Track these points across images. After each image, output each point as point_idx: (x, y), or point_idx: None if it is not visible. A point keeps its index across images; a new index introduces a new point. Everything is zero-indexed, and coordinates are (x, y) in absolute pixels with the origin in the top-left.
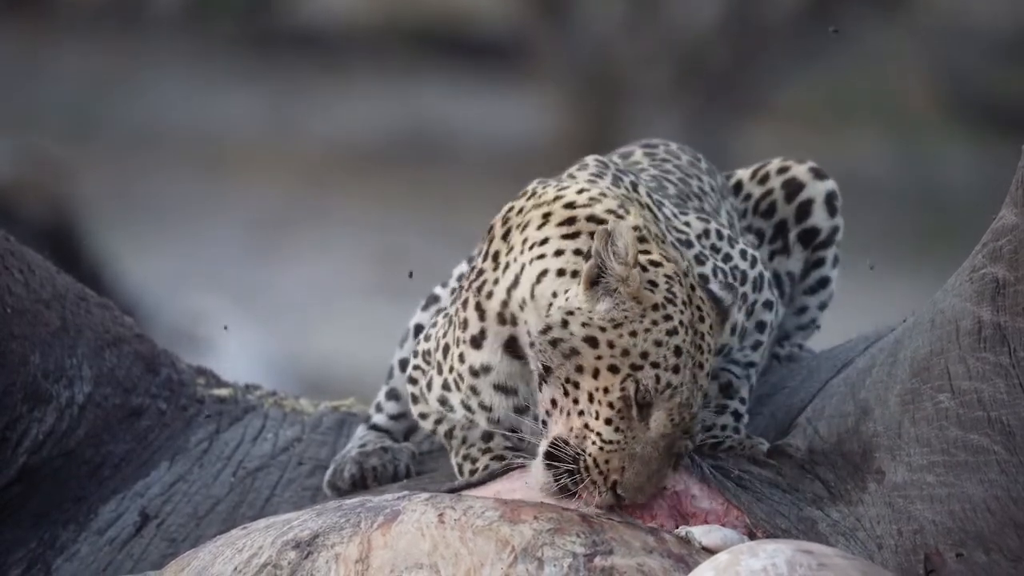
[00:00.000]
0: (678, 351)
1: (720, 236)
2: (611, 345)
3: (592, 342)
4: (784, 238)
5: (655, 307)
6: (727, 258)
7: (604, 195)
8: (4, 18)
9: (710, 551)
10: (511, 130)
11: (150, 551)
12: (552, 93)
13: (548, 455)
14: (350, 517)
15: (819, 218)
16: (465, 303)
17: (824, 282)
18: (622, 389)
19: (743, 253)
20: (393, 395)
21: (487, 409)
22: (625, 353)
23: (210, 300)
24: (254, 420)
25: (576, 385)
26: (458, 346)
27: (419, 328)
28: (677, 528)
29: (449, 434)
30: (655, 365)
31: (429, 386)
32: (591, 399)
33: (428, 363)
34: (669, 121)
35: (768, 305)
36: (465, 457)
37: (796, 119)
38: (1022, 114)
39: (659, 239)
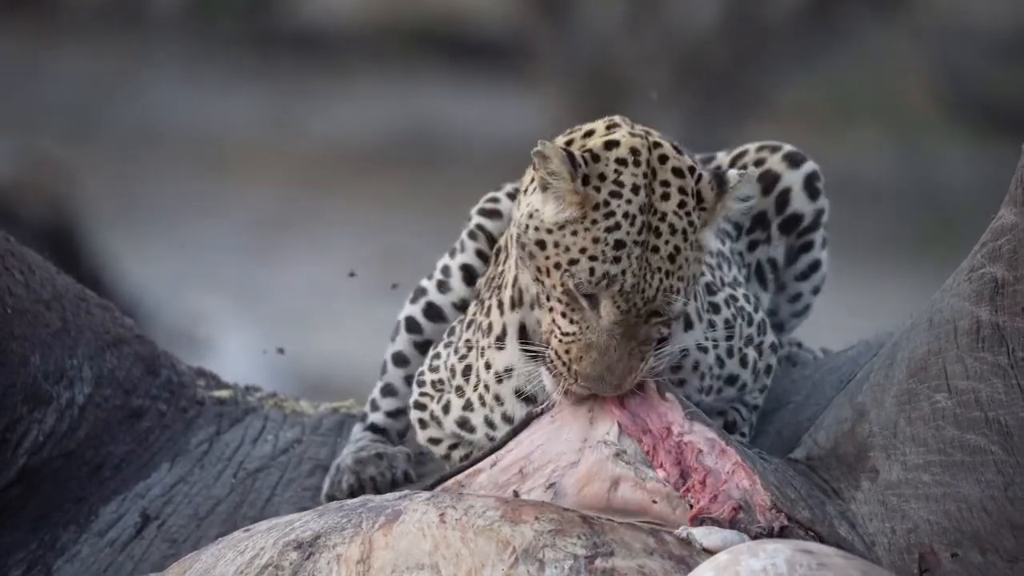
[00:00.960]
0: (619, 244)
1: (723, 282)
2: (556, 245)
3: (542, 244)
4: (764, 228)
5: (596, 207)
6: (734, 299)
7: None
8: (4, 18)
9: (711, 552)
10: (511, 130)
11: (151, 552)
12: (552, 93)
13: (545, 357)
14: (351, 517)
15: (800, 204)
16: (488, 310)
17: (815, 266)
18: (563, 284)
19: (747, 297)
20: (388, 391)
21: (510, 421)
22: (566, 250)
23: (210, 301)
24: (254, 421)
25: (542, 285)
26: (483, 356)
27: (409, 321)
28: (681, 477)
29: (466, 459)
30: (592, 258)
31: (446, 409)
32: (548, 297)
33: (439, 389)
34: (669, 120)
35: (773, 348)
36: None
37: (796, 118)
38: (1022, 114)
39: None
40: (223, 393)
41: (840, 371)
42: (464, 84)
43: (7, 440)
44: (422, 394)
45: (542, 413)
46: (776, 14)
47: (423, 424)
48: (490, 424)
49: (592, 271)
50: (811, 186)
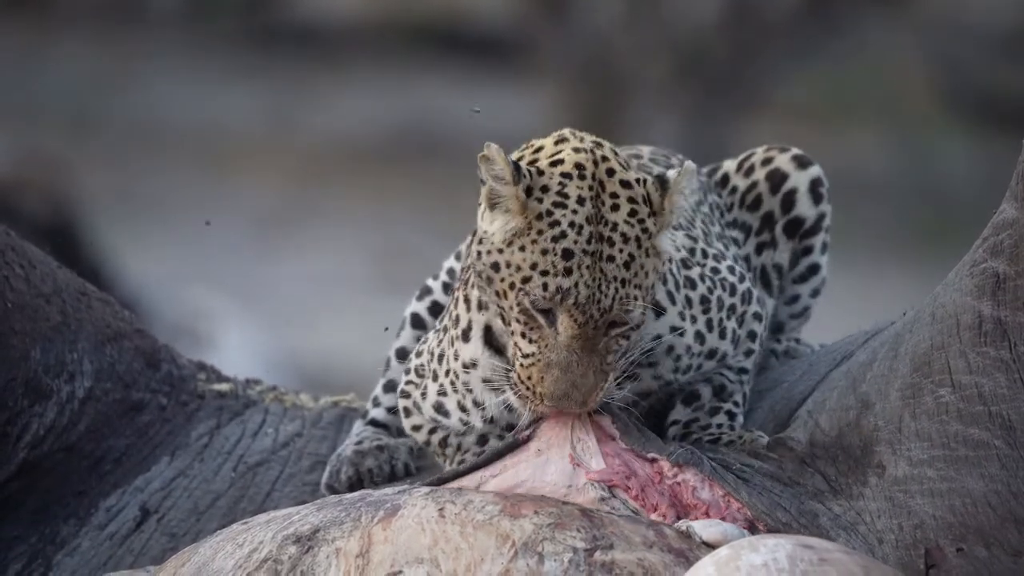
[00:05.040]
0: (567, 254)
1: (705, 255)
2: (508, 265)
3: (495, 267)
4: (771, 231)
5: (539, 216)
6: (715, 271)
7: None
8: (4, 14)
9: (711, 546)
10: (511, 126)
11: (150, 546)
12: (551, 89)
13: (510, 380)
14: (350, 511)
15: (804, 207)
16: (456, 301)
17: (814, 269)
18: (519, 303)
19: (731, 269)
20: (391, 386)
21: (480, 407)
22: (518, 269)
23: (210, 295)
24: (255, 415)
25: (503, 309)
26: (452, 345)
27: (415, 317)
28: (678, 520)
29: (444, 443)
30: (543, 273)
31: (424, 395)
32: (507, 320)
33: (421, 376)
34: (668, 117)
35: (757, 317)
36: (460, 463)
37: (795, 115)
38: (1021, 109)
39: (581, 140)
40: (223, 387)
41: (835, 354)
42: (463, 80)
43: (7, 434)
44: (407, 382)
45: (528, 439)
46: (775, 10)
47: (407, 412)
48: (463, 409)
49: (545, 286)
50: (815, 190)
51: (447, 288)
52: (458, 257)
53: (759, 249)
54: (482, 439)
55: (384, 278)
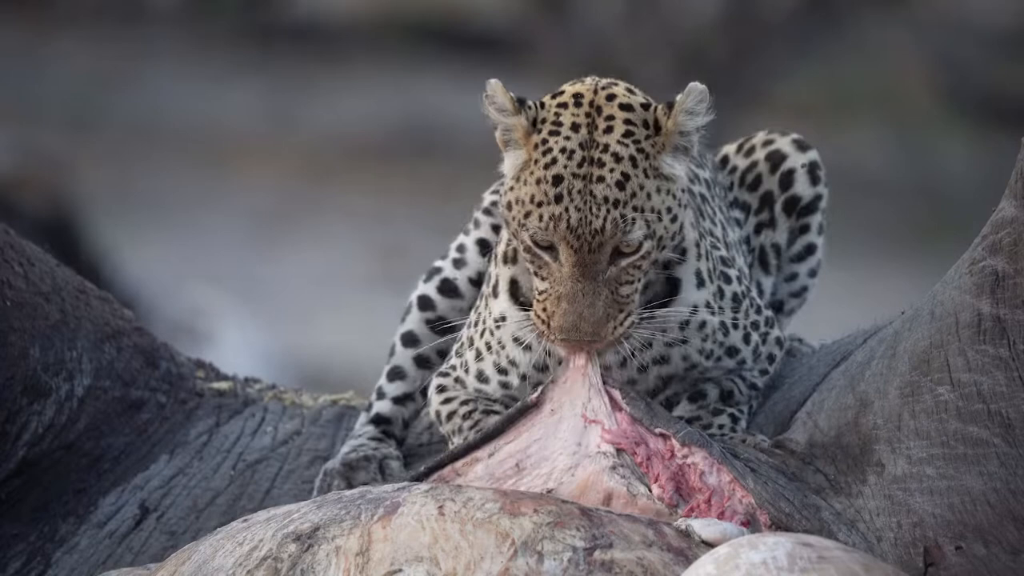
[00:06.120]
0: (557, 179)
1: (738, 268)
2: (517, 202)
3: (509, 206)
4: (770, 209)
5: (536, 147)
6: (749, 289)
7: None
8: (4, 11)
9: (710, 544)
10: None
11: (150, 544)
12: (552, 86)
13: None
14: (350, 509)
15: (801, 186)
16: (489, 260)
17: (811, 249)
18: (522, 241)
19: (758, 291)
20: (396, 373)
21: (515, 365)
22: (522, 205)
23: (209, 293)
24: (254, 413)
25: (520, 251)
26: (487, 304)
27: (422, 299)
28: (676, 494)
29: (459, 429)
30: (539, 204)
31: (466, 367)
32: (526, 261)
33: (460, 356)
34: None
35: (779, 342)
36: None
37: (795, 112)
38: (1022, 107)
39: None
40: (222, 385)
41: (834, 354)
42: (463, 77)
43: (7, 432)
44: (443, 375)
45: (539, 403)
46: (775, 8)
47: (442, 389)
48: (500, 371)
49: (540, 216)
50: (813, 172)
51: (458, 263)
52: (466, 233)
53: (758, 229)
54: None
55: (384, 275)
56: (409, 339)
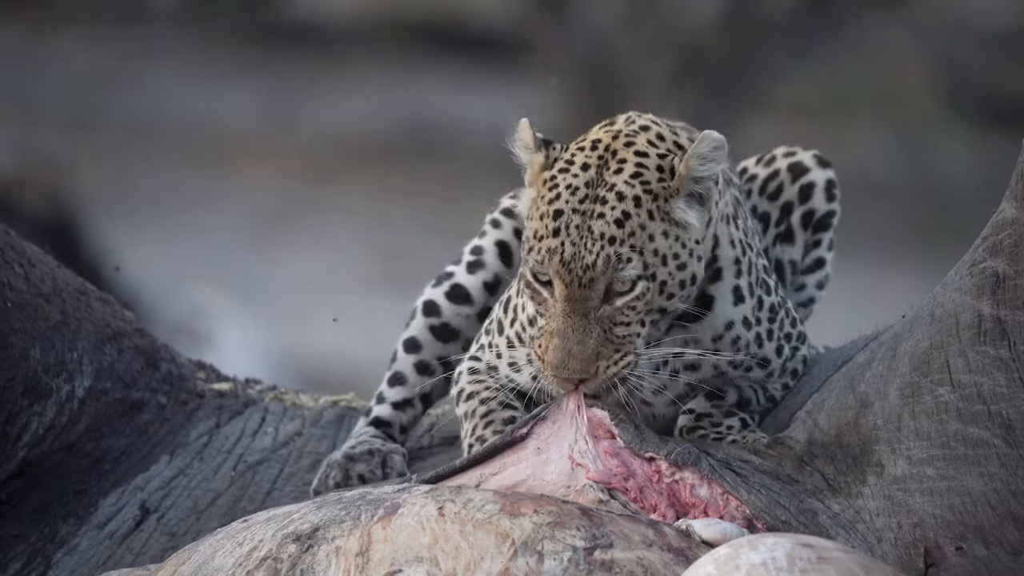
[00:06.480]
0: (557, 214)
1: (776, 283)
2: (526, 237)
3: (522, 241)
4: (788, 222)
5: (544, 183)
6: (784, 300)
7: None
8: (4, 11)
9: (710, 544)
10: (511, 124)
11: (150, 545)
12: (552, 87)
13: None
14: (350, 510)
15: (818, 201)
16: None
17: (820, 263)
18: (524, 277)
19: (793, 309)
20: (397, 379)
21: None
22: (527, 239)
23: (210, 294)
24: (254, 414)
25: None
26: (520, 296)
27: (428, 305)
28: (677, 519)
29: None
30: (540, 238)
31: (499, 355)
32: (528, 298)
33: (490, 335)
34: (669, 115)
35: (805, 361)
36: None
37: (796, 113)
38: (1022, 108)
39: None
40: (223, 386)
41: (837, 359)
42: (463, 77)
43: (7, 433)
44: (480, 346)
45: (526, 437)
46: (775, 8)
47: (473, 372)
48: (532, 361)
49: (539, 251)
50: (830, 190)
51: (473, 267)
52: (482, 236)
53: (776, 241)
54: (512, 419)
55: (384, 276)
56: (411, 345)
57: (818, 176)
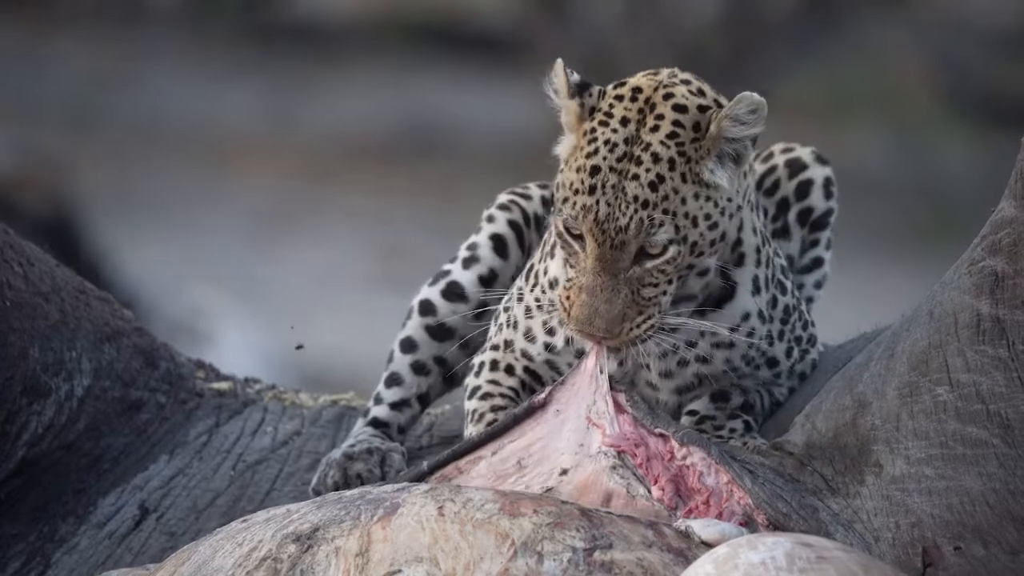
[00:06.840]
0: (595, 170)
1: (791, 283)
2: (561, 186)
3: (558, 187)
4: (784, 218)
5: (584, 134)
6: (799, 302)
7: None
8: (4, 11)
9: (709, 545)
10: (510, 123)
11: (149, 544)
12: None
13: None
14: (350, 510)
15: (816, 199)
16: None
17: (818, 262)
18: (556, 226)
19: (806, 311)
20: (394, 380)
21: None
22: (561, 187)
23: (209, 293)
24: (254, 413)
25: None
26: (543, 260)
27: (423, 304)
28: (675, 496)
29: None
30: (576, 192)
31: (514, 325)
32: (559, 247)
33: (510, 321)
34: None
35: (813, 364)
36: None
37: (796, 112)
38: (1022, 107)
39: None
40: (222, 385)
41: (836, 360)
42: (463, 77)
43: (6, 432)
44: (495, 334)
45: (545, 403)
46: (775, 8)
47: (493, 366)
48: (550, 331)
49: (574, 204)
50: (828, 187)
51: (468, 262)
52: (477, 232)
53: (772, 236)
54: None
55: (384, 276)
56: (407, 345)
57: (816, 173)
